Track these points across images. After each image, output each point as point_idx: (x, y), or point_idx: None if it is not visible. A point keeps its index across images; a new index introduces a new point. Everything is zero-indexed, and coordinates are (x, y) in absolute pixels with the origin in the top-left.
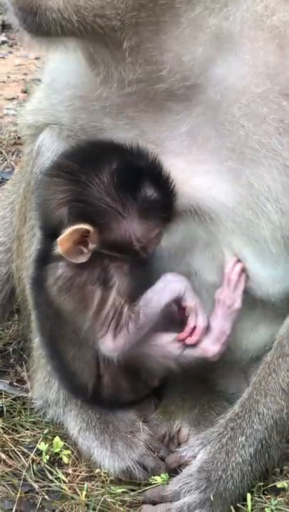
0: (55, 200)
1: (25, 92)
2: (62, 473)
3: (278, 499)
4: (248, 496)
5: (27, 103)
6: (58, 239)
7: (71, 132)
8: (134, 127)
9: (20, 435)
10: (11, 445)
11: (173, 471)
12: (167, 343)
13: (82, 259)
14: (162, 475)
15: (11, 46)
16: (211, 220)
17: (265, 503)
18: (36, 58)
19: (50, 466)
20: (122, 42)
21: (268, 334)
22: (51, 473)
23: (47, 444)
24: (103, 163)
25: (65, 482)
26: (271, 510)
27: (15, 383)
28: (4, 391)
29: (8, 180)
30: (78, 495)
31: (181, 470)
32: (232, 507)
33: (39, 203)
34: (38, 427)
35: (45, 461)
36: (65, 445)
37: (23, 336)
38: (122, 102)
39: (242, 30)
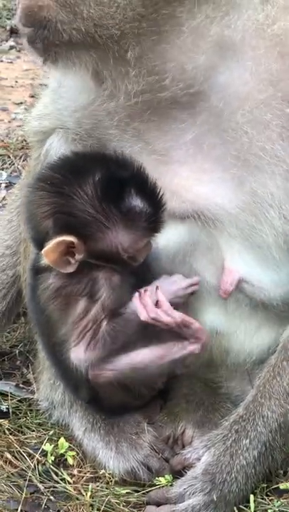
0: (40, 213)
1: (33, 96)
2: (68, 474)
3: (281, 500)
4: (251, 497)
5: (33, 109)
6: (43, 250)
7: (77, 136)
8: (140, 140)
9: (25, 436)
10: (16, 446)
11: (177, 473)
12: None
13: (70, 269)
14: (166, 476)
15: (19, 51)
16: (214, 225)
17: (268, 504)
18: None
19: (56, 467)
20: (126, 53)
21: (271, 337)
22: (56, 474)
23: (52, 445)
24: (87, 174)
25: (70, 483)
26: (274, 511)
27: (21, 385)
28: (10, 393)
29: (15, 184)
30: (83, 495)
31: (185, 472)
32: (235, 508)
33: (27, 215)
34: (43, 429)
35: (50, 462)
36: (70, 446)
37: (29, 338)
38: (128, 115)
39: (244, 38)
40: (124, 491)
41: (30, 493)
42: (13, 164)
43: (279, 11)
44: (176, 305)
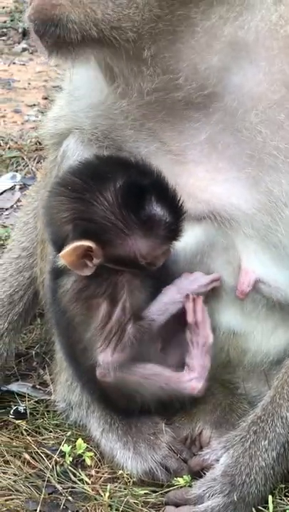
0: (60, 218)
1: (46, 98)
2: (86, 475)
3: None
4: (270, 498)
5: (49, 112)
6: (60, 254)
7: (93, 136)
8: (155, 140)
9: (43, 437)
10: (34, 447)
11: (195, 473)
12: (164, 376)
13: (88, 272)
14: (185, 476)
15: (31, 53)
16: (230, 225)
17: (287, 505)
18: (57, 65)
19: (74, 468)
20: (141, 52)
21: (288, 337)
22: (74, 474)
23: (70, 446)
24: (108, 180)
25: (88, 483)
26: None
27: (38, 386)
28: (27, 394)
29: (30, 185)
30: (101, 496)
31: (204, 473)
32: (254, 509)
33: (47, 219)
34: (61, 429)
35: (68, 462)
36: (88, 447)
37: (45, 340)
38: (142, 115)
39: (257, 39)
40: (142, 492)
41: (49, 494)
42: (27, 166)
43: None
44: None
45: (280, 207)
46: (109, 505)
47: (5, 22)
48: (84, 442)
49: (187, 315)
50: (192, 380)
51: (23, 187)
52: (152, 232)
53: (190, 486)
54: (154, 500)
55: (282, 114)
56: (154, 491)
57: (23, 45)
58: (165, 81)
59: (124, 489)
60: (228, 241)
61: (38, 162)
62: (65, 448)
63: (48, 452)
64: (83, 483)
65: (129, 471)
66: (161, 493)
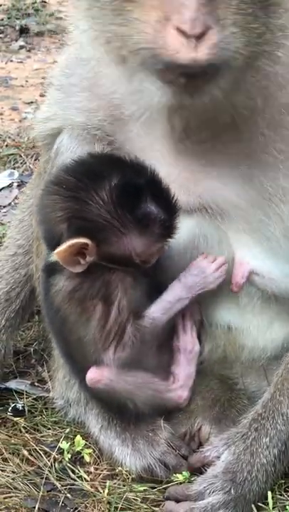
0: (54, 217)
1: (43, 96)
2: (84, 472)
3: None
4: (269, 494)
5: (38, 113)
6: (55, 251)
7: (84, 132)
8: (151, 134)
9: (42, 434)
10: (33, 444)
11: (195, 470)
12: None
13: (79, 269)
14: (184, 473)
15: (28, 51)
16: (222, 219)
17: (287, 500)
18: (54, 62)
19: (72, 465)
20: None
21: (284, 332)
22: (73, 471)
23: (68, 443)
24: (102, 179)
25: (87, 480)
26: None
27: (36, 383)
28: (26, 391)
29: (27, 183)
30: (100, 493)
31: (205, 470)
32: (253, 506)
33: (40, 218)
34: (59, 427)
35: (67, 459)
36: (86, 444)
37: (43, 337)
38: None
39: None
40: (141, 488)
41: (47, 491)
42: (25, 163)
43: None
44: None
45: (275, 202)
46: (108, 502)
47: (2, 20)
48: (82, 439)
49: (177, 318)
50: (178, 389)
51: (21, 184)
52: (147, 231)
53: (189, 482)
54: (153, 496)
55: (288, 118)
56: (153, 487)
57: (21, 42)
58: None
59: (123, 486)
60: (221, 234)
61: (35, 159)
62: (64, 445)
63: (47, 449)
64: (82, 480)
65: (128, 467)
66: (160, 490)
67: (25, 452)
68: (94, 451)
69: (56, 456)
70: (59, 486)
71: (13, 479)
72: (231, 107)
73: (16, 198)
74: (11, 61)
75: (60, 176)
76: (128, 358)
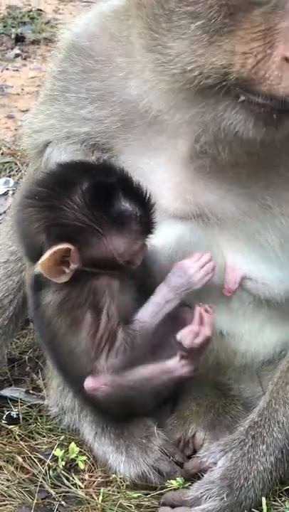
0: (32, 229)
1: None
2: (79, 479)
3: None
4: (264, 500)
5: (31, 120)
6: (39, 262)
7: (81, 143)
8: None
9: (36, 442)
10: (27, 452)
11: (191, 476)
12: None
13: (64, 278)
14: (178, 479)
15: (24, 59)
16: (218, 227)
17: (281, 506)
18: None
19: (67, 472)
20: None
21: (275, 336)
22: (67, 479)
23: (63, 451)
24: (74, 185)
25: (81, 488)
26: None
27: (31, 391)
28: (20, 399)
29: None
30: (95, 500)
31: (202, 475)
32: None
33: (20, 234)
34: (54, 434)
35: (61, 467)
36: (80, 451)
37: (38, 344)
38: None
39: None
40: (135, 495)
41: (42, 499)
42: (20, 171)
43: None
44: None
45: (274, 214)
46: (103, 509)
47: None
48: (77, 446)
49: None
50: (183, 364)
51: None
52: (125, 228)
53: (187, 488)
54: (147, 503)
55: None
56: (147, 494)
57: (16, 51)
58: None
59: (118, 493)
60: (214, 240)
61: None
62: (58, 452)
63: (41, 457)
64: (76, 488)
65: (122, 474)
66: (154, 496)
67: (20, 460)
68: (88, 459)
69: (50, 464)
70: (53, 493)
71: (7, 487)
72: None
73: (11, 206)
74: (7, 69)
75: (32, 189)
76: (121, 364)
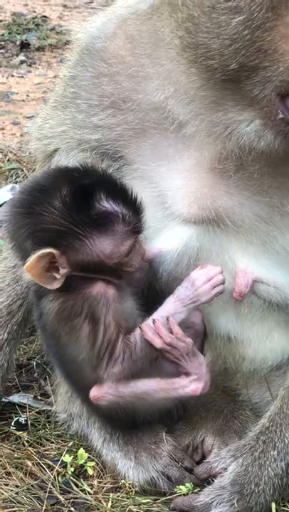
0: (19, 236)
1: None
2: (88, 485)
3: None
4: (273, 505)
5: (41, 124)
6: (24, 267)
7: (87, 151)
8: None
9: (45, 448)
10: (36, 458)
11: (202, 481)
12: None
13: (57, 284)
14: (187, 484)
15: (29, 65)
16: (234, 231)
17: None
18: (55, 77)
19: (76, 478)
20: None
21: (283, 341)
22: (76, 485)
23: (71, 457)
24: (54, 190)
25: (90, 494)
26: None
27: (39, 397)
28: (28, 405)
29: None
30: (104, 506)
31: (212, 481)
32: None
33: (11, 242)
34: (62, 440)
35: (70, 473)
36: (89, 457)
37: (47, 352)
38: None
39: None
40: (144, 501)
41: (51, 505)
42: (26, 177)
43: None
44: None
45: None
46: None
47: (3, 35)
48: (85, 452)
49: (153, 343)
50: (191, 382)
51: None
52: (108, 229)
53: (197, 493)
54: (156, 509)
55: None
56: (156, 500)
57: (21, 57)
58: None
59: (127, 498)
60: (226, 244)
61: None
62: (67, 458)
63: (50, 463)
64: (85, 494)
65: (131, 480)
66: (164, 502)
67: (29, 466)
68: (97, 465)
69: (59, 470)
70: (62, 499)
71: (16, 493)
72: None
73: None
74: (12, 76)
75: (16, 197)
76: (122, 374)
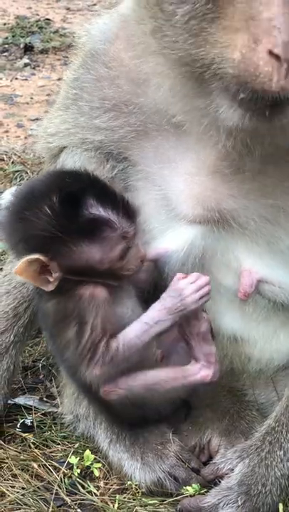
0: (11, 242)
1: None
2: (94, 487)
3: None
4: (281, 506)
5: (46, 125)
6: (13, 270)
7: (95, 151)
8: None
9: (51, 450)
10: (42, 460)
11: (209, 482)
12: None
13: (51, 287)
14: (194, 485)
15: (33, 68)
16: (239, 232)
17: None
18: (59, 79)
19: (82, 480)
20: None
21: None
22: (83, 486)
23: (78, 458)
24: (44, 196)
25: (96, 495)
26: None
27: (45, 399)
28: (34, 407)
29: None
30: (110, 507)
31: (219, 482)
32: None
33: (8, 246)
34: (68, 442)
35: (76, 474)
36: (95, 458)
37: (51, 352)
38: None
39: None
40: (151, 502)
41: (58, 507)
42: None
43: None
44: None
45: None
46: None
47: (6, 38)
48: (92, 453)
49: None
50: (201, 369)
51: None
52: (96, 235)
53: (204, 494)
54: (163, 510)
55: None
56: (163, 501)
57: (25, 60)
58: None
59: (133, 500)
60: (231, 245)
61: None
62: (73, 460)
63: (56, 465)
64: (92, 495)
65: (138, 481)
66: (170, 503)
67: (35, 468)
68: (103, 466)
69: (66, 471)
70: (69, 501)
71: (22, 495)
72: None
73: None
74: (16, 79)
75: (10, 202)
76: (103, 376)
